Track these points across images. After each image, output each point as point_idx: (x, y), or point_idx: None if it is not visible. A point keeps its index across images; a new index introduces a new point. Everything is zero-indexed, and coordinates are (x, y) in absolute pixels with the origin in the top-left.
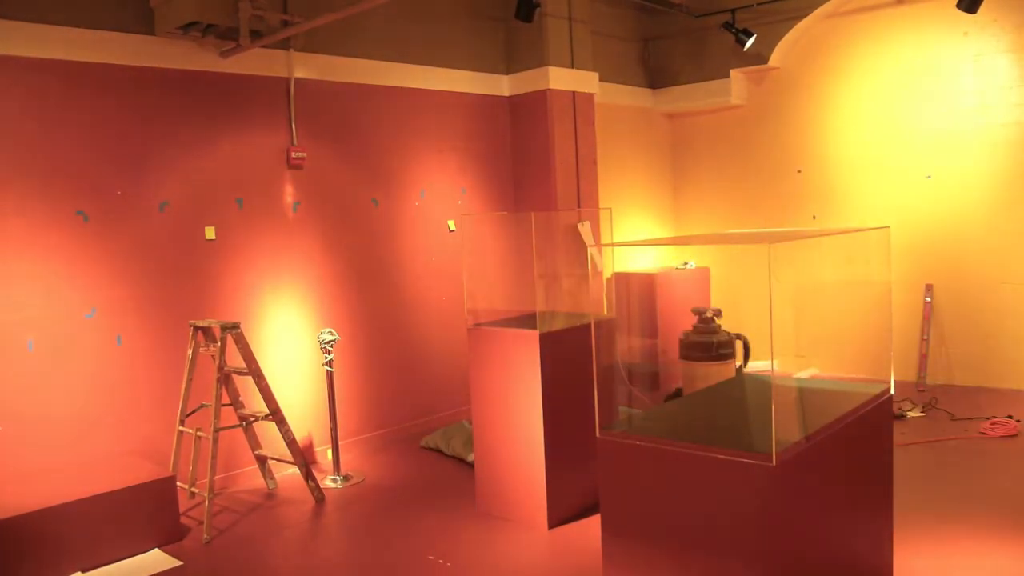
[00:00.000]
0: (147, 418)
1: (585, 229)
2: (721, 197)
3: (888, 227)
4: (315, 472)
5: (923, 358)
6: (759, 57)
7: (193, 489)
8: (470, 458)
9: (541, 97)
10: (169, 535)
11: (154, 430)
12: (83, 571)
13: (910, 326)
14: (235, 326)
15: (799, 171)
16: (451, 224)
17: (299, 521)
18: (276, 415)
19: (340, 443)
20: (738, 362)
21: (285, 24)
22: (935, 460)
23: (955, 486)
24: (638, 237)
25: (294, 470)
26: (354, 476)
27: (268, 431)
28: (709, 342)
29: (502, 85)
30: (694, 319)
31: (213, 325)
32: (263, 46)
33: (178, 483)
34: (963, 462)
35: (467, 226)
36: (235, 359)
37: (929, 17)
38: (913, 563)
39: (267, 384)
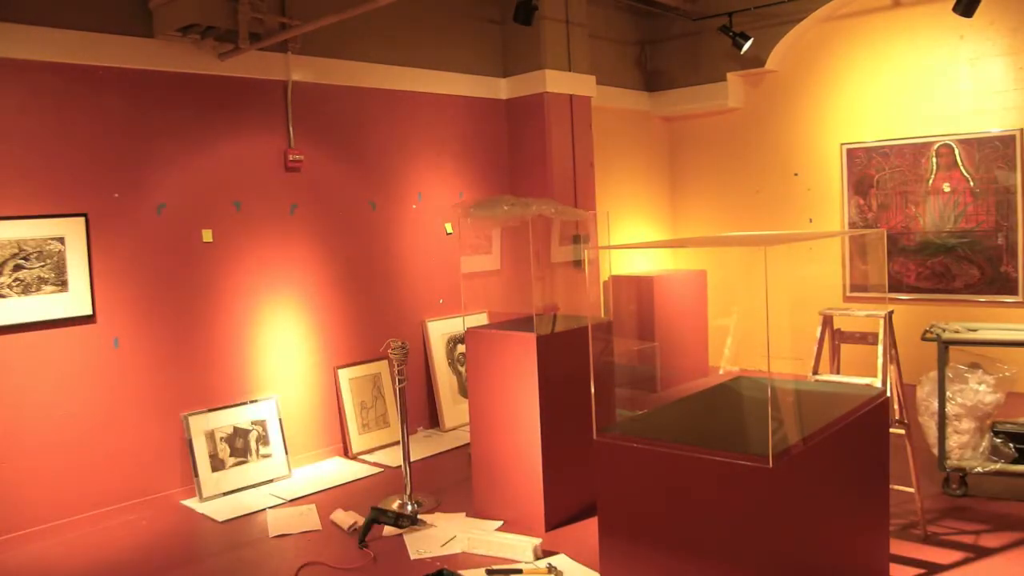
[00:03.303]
0: (145, 420)
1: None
2: (718, 200)
3: (884, 231)
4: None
5: None
6: (756, 60)
7: None
8: None
9: (538, 100)
10: None
11: (152, 432)
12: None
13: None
14: None
15: (796, 174)
16: (448, 227)
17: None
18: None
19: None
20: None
21: (283, 27)
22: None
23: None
24: (635, 240)
25: None
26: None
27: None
28: None
29: (499, 88)
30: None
31: None
32: (261, 48)
33: None
34: None
35: (462, 223)
36: None
37: (925, 20)
38: (908, 567)
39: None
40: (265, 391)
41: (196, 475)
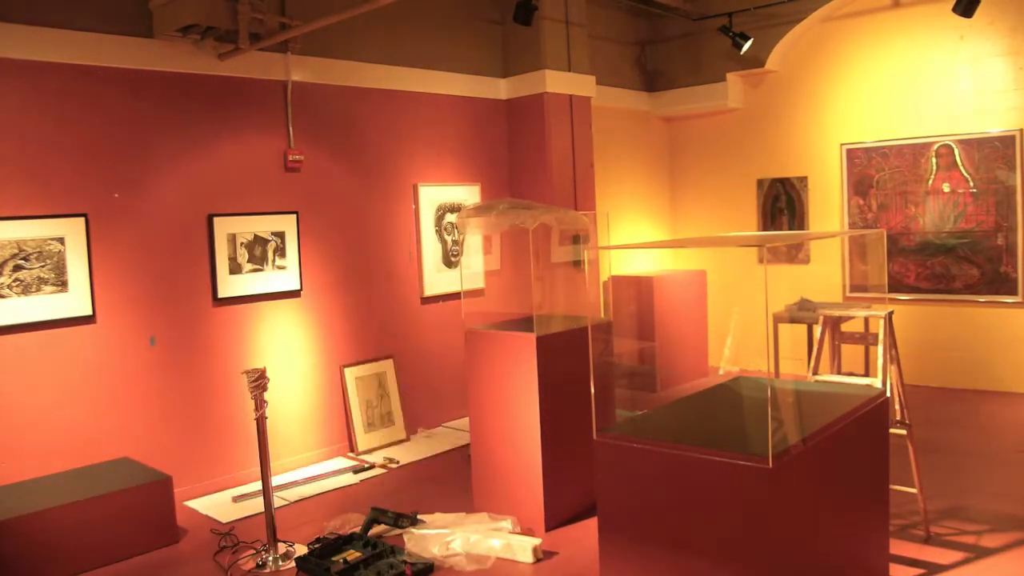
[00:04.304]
0: (145, 420)
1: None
2: (718, 200)
3: (884, 231)
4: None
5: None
6: (756, 60)
7: None
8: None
9: (538, 100)
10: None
11: (152, 432)
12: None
13: (904, 328)
14: None
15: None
16: None
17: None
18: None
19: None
20: None
21: (283, 27)
22: (931, 463)
23: (952, 488)
24: (635, 240)
25: None
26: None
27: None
28: None
29: (499, 88)
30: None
31: None
32: (261, 49)
33: None
34: (961, 464)
35: (464, 226)
36: None
37: (925, 20)
38: (908, 567)
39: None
40: (269, 394)
41: None
